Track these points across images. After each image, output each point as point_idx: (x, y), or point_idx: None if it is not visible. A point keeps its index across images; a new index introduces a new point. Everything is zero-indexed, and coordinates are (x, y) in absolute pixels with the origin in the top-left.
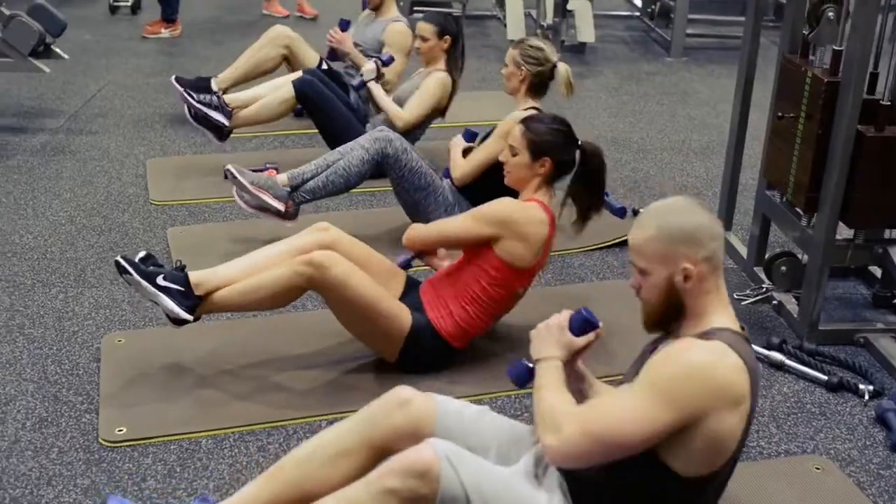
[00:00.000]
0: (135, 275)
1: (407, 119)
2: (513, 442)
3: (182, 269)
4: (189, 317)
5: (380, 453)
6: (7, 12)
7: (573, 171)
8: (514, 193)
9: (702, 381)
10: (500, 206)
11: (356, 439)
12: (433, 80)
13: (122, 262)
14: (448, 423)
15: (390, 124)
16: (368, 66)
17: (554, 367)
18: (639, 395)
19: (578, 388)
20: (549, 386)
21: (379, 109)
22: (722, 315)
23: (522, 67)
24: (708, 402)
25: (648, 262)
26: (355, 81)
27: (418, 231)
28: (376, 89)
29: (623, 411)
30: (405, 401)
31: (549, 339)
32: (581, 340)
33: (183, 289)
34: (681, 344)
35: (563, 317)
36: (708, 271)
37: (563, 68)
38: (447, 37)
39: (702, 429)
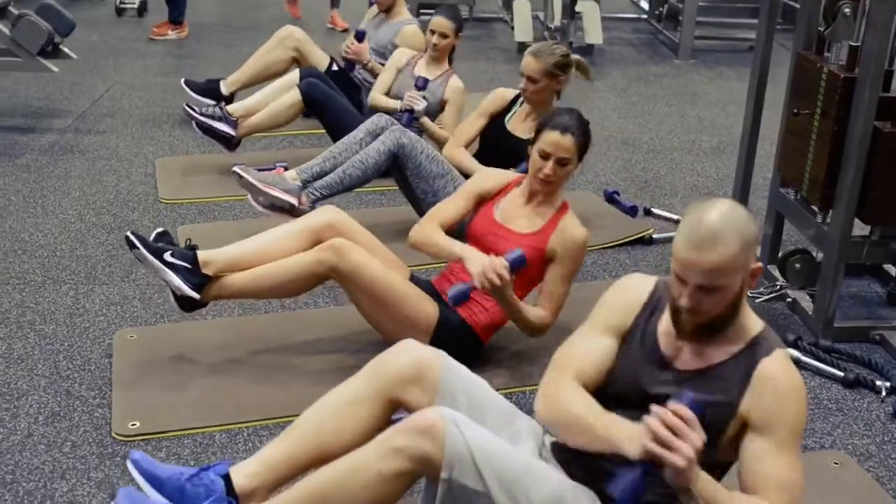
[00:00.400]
0: (142, 249)
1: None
2: (510, 421)
3: (192, 248)
4: (195, 294)
5: (389, 403)
6: (16, 11)
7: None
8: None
9: (804, 394)
10: (585, 248)
11: (367, 387)
12: (457, 94)
13: (132, 238)
14: (454, 378)
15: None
16: (418, 104)
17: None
18: (795, 451)
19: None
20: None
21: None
22: (747, 309)
23: (560, 77)
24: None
25: (731, 278)
26: (404, 119)
27: (549, 317)
28: (428, 124)
29: (800, 476)
30: (409, 346)
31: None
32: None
33: (190, 266)
34: (777, 379)
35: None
36: None
37: (579, 59)
38: (460, 33)
39: None
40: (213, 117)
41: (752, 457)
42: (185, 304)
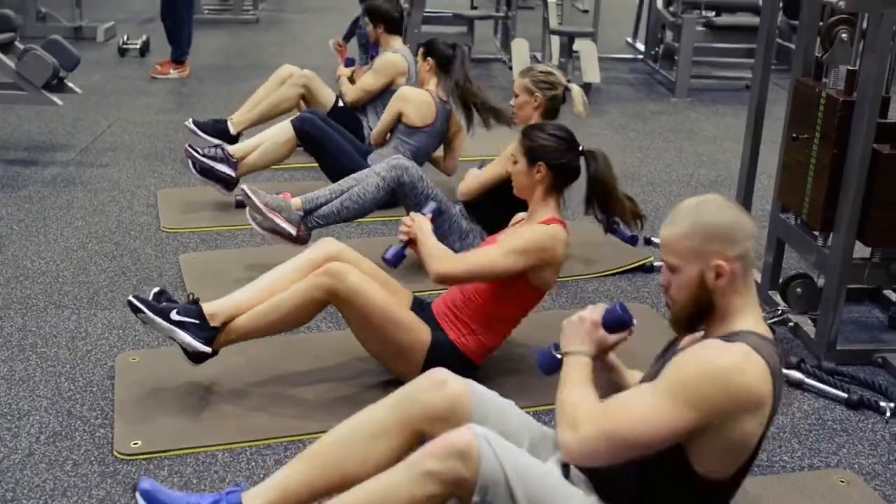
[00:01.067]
0: (148, 313)
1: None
2: (540, 439)
3: (195, 302)
4: (207, 349)
5: (416, 435)
6: (21, 46)
7: (586, 180)
8: (519, 209)
9: (723, 384)
10: (533, 238)
11: (393, 419)
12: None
13: (135, 302)
14: (484, 407)
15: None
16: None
17: (581, 362)
18: (659, 396)
19: (609, 379)
20: (574, 381)
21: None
22: (750, 316)
23: (536, 94)
24: (729, 405)
25: (680, 259)
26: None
27: (450, 266)
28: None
29: (643, 412)
30: (441, 381)
31: (580, 333)
32: (613, 337)
33: (198, 321)
34: (704, 345)
35: (598, 311)
36: (740, 270)
37: (576, 89)
38: (430, 59)
39: (723, 432)
40: (214, 158)
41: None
42: (197, 357)
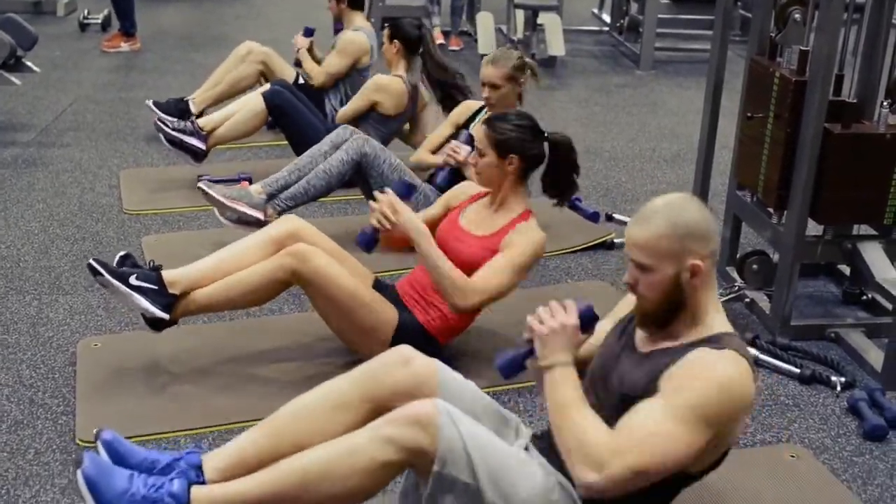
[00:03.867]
0: (107, 276)
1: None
2: (503, 424)
3: (156, 269)
4: (165, 315)
5: (378, 409)
6: None
7: (545, 164)
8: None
9: (731, 397)
10: (534, 250)
11: (356, 394)
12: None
13: (95, 265)
14: (450, 387)
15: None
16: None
17: (570, 376)
18: (678, 420)
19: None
20: (575, 405)
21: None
22: (718, 314)
23: (521, 80)
24: (736, 413)
25: (655, 259)
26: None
27: (469, 301)
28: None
29: (667, 441)
30: (408, 358)
31: (562, 341)
32: (584, 336)
33: (157, 287)
34: (702, 360)
35: (573, 314)
36: (710, 267)
37: (531, 62)
38: (396, 41)
39: (723, 436)
40: (183, 132)
41: (634, 409)
42: (156, 324)
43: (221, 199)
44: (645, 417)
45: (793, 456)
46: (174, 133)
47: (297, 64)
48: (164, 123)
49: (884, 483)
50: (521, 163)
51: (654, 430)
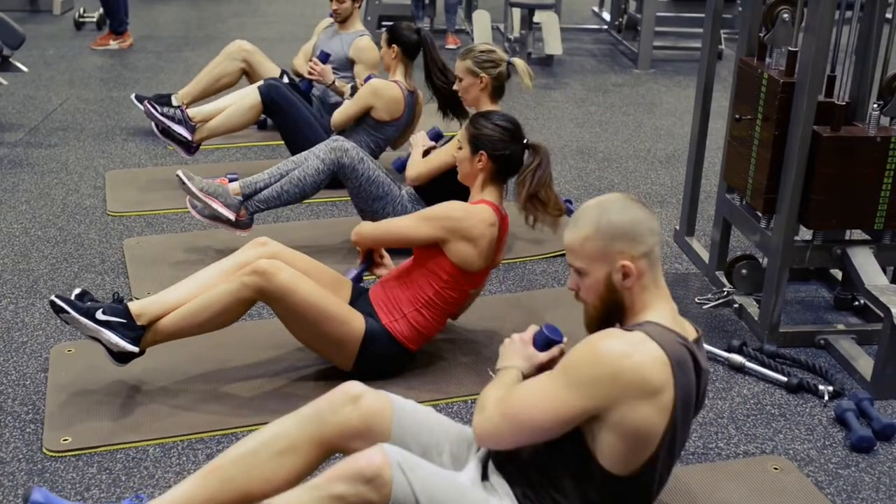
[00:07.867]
0: (72, 312)
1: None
2: (463, 442)
3: (120, 300)
4: (135, 348)
5: (328, 451)
6: None
7: (522, 170)
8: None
9: (610, 369)
10: (445, 209)
11: (303, 436)
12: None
13: (58, 302)
14: (404, 420)
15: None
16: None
17: (510, 374)
18: (551, 380)
19: None
20: (496, 383)
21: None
22: (656, 310)
23: (481, 75)
24: (615, 389)
25: (586, 262)
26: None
27: (367, 228)
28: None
29: (536, 395)
30: (356, 396)
31: (510, 351)
32: (544, 356)
33: (125, 320)
34: (600, 333)
35: (529, 332)
36: (646, 267)
37: (519, 62)
38: (395, 46)
39: (616, 419)
40: (172, 118)
41: None
42: (123, 357)
43: (196, 191)
44: (534, 378)
45: (776, 468)
46: (162, 118)
47: (306, 84)
48: (153, 107)
49: (868, 497)
50: (490, 161)
51: (530, 385)
